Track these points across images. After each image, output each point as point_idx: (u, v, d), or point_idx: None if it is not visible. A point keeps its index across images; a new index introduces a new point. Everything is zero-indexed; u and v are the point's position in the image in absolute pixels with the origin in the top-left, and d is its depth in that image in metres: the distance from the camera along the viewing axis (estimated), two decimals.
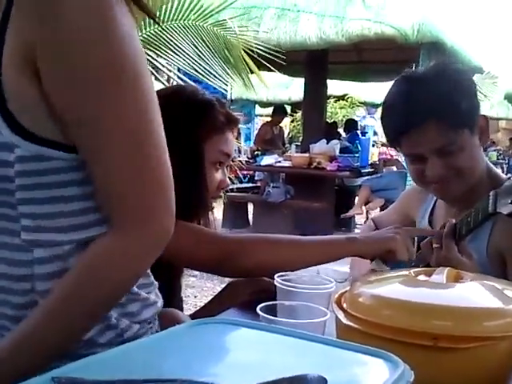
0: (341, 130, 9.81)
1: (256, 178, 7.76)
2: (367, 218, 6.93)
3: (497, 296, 0.82)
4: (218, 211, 6.81)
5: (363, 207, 6.87)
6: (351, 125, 8.82)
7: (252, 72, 3.74)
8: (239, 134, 11.54)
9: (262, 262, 1.24)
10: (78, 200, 0.82)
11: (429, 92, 1.29)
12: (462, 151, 1.30)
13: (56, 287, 0.80)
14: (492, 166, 1.44)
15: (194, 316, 1.32)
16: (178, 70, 3.83)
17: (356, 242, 1.27)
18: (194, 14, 3.46)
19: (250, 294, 1.28)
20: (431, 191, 1.45)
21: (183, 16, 3.44)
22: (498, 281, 0.90)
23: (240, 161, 4.28)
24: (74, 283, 0.79)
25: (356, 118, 11.13)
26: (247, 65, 3.62)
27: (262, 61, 3.61)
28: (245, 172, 7.43)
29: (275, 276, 1.00)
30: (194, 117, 1.31)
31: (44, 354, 0.78)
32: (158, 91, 1.41)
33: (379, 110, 14.45)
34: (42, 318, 0.78)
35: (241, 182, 6.55)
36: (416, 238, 1.46)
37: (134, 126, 0.77)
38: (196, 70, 3.48)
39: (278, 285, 0.98)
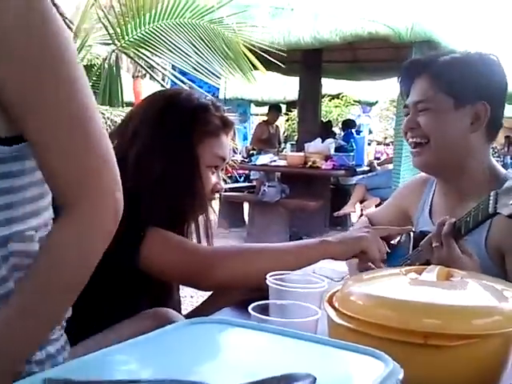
0: (337, 129, 9.83)
1: (251, 178, 7.76)
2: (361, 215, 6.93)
3: (486, 294, 0.83)
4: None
5: (358, 205, 6.88)
6: (349, 124, 8.81)
7: (255, 67, 3.73)
8: (235, 133, 11.53)
9: (236, 275, 1.24)
10: (27, 188, 0.83)
11: (440, 55, 1.40)
12: (432, 114, 1.37)
13: (22, 281, 0.81)
14: (494, 160, 1.45)
15: (188, 316, 1.32)
16: (173, 67, 3.82)
17: (330, 244, 1.29)
18: (190, 12, 3.45)
19: (244, 293, 1.28)
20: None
21: (179, 14, 3.44)
22: (489, 278, 0.91)
23: (234, 160, 4.28)
24: (38, 273, 0.80)
25: (351, 117, 11.14)
26: (249, 60, 3.60)
27: (256, 61, 3.61)
28: (240, 171, 7.45)
29: (267, 275, 1.01)
30: (189, 120, 1.31)
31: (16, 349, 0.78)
32: (154, 94, 1.42)
33: (374, 108, 14.50)
34: (13, 312, 0.78)
35: (236, 182, 6.56)
36: (412, 237, 1.46)
37: (73, 106, 0.79)
38: (193, 68, 3.47)
39: (269, 284, 0.99)
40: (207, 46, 3.50)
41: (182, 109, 1.32)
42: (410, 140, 1.43)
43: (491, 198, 1.13)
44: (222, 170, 1.41)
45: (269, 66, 3.92)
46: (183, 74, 3.80)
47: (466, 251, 1.20)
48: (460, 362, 0.73)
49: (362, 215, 6.35)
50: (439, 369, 0.73)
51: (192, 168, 1.30)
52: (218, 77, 3.75)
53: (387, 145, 16.42)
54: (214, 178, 1.35)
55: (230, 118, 1.38)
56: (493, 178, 1.38)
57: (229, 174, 4.51)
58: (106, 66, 3.40)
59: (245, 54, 3.57)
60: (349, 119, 9.88)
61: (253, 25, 3.87)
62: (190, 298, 4.62)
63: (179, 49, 3.44)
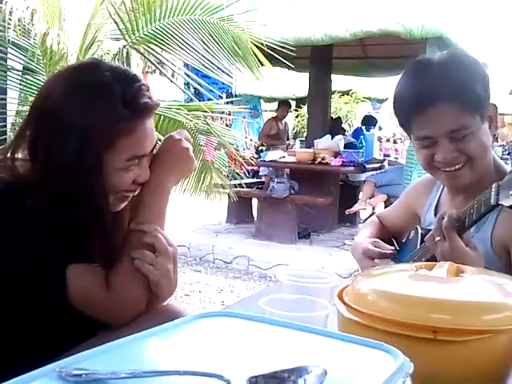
0: (355, 125, 9.73)
1: (260, 174, 7.76)
2: (372, 214, 6.94)
3: (496, 290, 0.83)
4: (222, 206, 6.82)
5: (368, 201, 6.88)
6: (370, 121, 8.70)
7: (262, 64, 3.74)
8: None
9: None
10: None
11: (443, 73, 1.29)
12: (473, 137, 1.30)
13: None
14: (496, 156, 1.45)
15: None
16: (186, 65, 3.83)
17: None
18: (200, 9, 3.45)
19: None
20: (441, 179, 1.44)
21: (189, 11, 3.44)
22: (498, 275, 0.91)
23: (242, 156, 4.28)
24: None
25: (361, 113, 11.08)
26: (257, 57, 3.61)
27: (264, 58, 3.60)
28: (249, 167, 7.44)
29: (278, 271, 1.01)
30: (92, 119, 1.08)
31: None
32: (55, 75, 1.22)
33: (384, 105, 14.45)
34: None
35: (241, 178, 6.56)
36: (420, 232, 1.47)
37: None
38: (203, 65, 3.48)
39: (281, 279, 0.99)
40: (216, 43, 3.51)
41: (85, 105, 1.09)
42: (449, 168, 1.34)
43: (493, 189, 1.14)
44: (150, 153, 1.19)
45: (278, 62, 3.91)
46: (195, 71, 3.81)
47: (470, 244, 1.20)
48: (469, 357, 0.73)
49: (373, 213, 6.36)
50: (448, 364, 0.73)
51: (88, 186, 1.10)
52: (227, 74, 3.75)
53: (396, 142, 16.39)
54: (131, 174, 1.15)
55: (147, 101, 1.13)
56: (498, 174, 1.37)
57: (238, 170, 4.50)
58: (117, 61, 3.41)
59: (253, 52, 3.57)
60: (370, 115, 9.73)
61: (262, 22, 3.86)
62: (199, 293, 4.65)
63: (189, 45, 3.45)
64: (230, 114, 5.13)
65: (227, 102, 4.89)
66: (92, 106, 1.09)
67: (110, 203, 1.16)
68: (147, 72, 10.78)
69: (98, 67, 1.16)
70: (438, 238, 1.21)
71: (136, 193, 1.21)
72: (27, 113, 1.19)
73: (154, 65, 4.06)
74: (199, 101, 4.12)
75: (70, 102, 1.10)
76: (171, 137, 1.25)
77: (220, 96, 4.96)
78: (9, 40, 3.01)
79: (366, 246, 1.53)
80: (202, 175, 3.82)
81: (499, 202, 1.11)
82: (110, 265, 1.14)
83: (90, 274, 1.13)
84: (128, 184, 1.16)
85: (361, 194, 6.64)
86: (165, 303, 1.27)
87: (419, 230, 1.49)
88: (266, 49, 3.55)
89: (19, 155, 1.17)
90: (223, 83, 4.92)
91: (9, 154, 1.16)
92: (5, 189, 1.12)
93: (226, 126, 4.85)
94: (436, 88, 1.28)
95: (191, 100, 4.62)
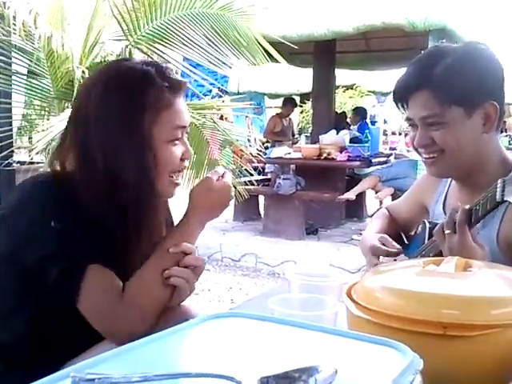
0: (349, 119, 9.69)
1: (266, 171, 7.76)
2: (379, 208, 6.91)
3: (505, 284, 0.83)
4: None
5: (374, 195, 6.87)
6: (361, 113, 8.62)
7: (269, 55, 3.70)
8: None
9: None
10: None
11: (434, 63, 1.33)
12: (446, 128, 1.32)
13: None
14: (506, 152, 1.43)
15: None
16: (186, 60, 3.81)
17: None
18: (199, 1, 3.43)
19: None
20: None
21: (189, 5, 3.42)
22: (507, 268, 0.91)
23: (249, 153, 4.28)
24: None
25: (366, 107, 11.03)
26: (261, 46, 3.57)
27: (269, 46, 3.56)
28: (255, 164, 7.44)
29: (287, 269, 1.02)
30: (135, 101, 1.17)
31: None
32: (88, 78, 1.32)
33: (389, 98, 14.40)
34: None
35: (251, 175, 6.55)
36: (428, 226, 1.47)
37: None
38: (205, 58, 3.46)
39: (289, 278, 1.00)
40: (219, 35, 3.48)
41: (125, 91, 1.18)
42: (425, 155, 1.39)
43: (498, 185, 1.14)
44: (187, 133, 1.28)
45: (279, 57, 3.88)
46: (195, 65, 3.79)
47: (478, 241, 1.20)
48: (479, 352, 0.73)
49: (380, 208, 6.34)
50: (458, 359, 0.74)
51: (145, 160, 1.17)
52: (230, 67, 3.74)
53: (400, 134, 16.32)
54: (179, 149, 1.23)
55: (177, 78, 1.25)
56: (505, 168, 1.36)
57: (244, 167, 4.50)
58: None
59: (257, 41, 3.53)
60: (359, 107, 9.62)
61: (264, 14, 3.82)
62: (208, 291, 4.66)
63: (191, 40, 3.43)
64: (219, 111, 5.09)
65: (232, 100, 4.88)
66: (137, 86, 1.18)
67: (161, 187, 1.21)
68: None
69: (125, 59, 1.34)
70: (448, 232, 1.21)
71: (182, 172, 1.27)
72: (69, 119, 1.26)
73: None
74: (199, 93, 4.09)
75: (109, 96, 1.18)
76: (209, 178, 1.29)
77: (210, 90, 4.93)
78: (15, 45, 3.03)
79: (373, 242, 1.53)
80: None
81: (505, 199, 1.11)
82: (129, 273, 1.16)
83: (108, 276, 1.14)
84: (177, 159, 1.22)
85: (360, 184, 6.59)
86: None
87: (427, 224, 1.49)
88: (269, 42, 3.53)
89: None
90: (222, 77, 4.88)
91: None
92: (46, 180, 1.18)
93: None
94: (421, 76, 1.33)
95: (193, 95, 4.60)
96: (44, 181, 1.19)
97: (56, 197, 1.13)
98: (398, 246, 1.51)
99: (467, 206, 1.21)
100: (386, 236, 1.55)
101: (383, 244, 1.51)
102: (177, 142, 1.22)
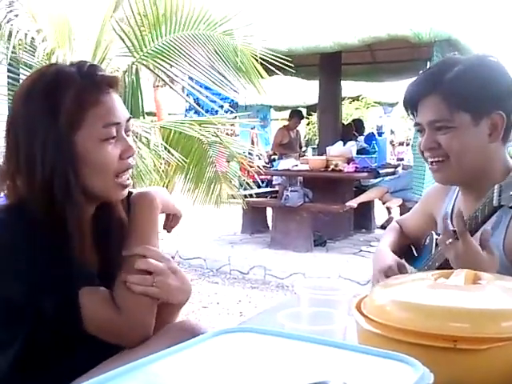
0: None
1: (274, 183, 7.76)
2: (388, 219, 6.91)
3: None
4: (237, 217, 6.84)
5: (384, 206, 6.85)
6: (357, 125, 8.58)
7: (270, 74, 3.78)
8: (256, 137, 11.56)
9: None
10: None
11: (446, 70, 1.35)
12: (453, 133, 1.33)
13: None
14: (509, 157, 1.43)
15: None
16: (190, 78, 3.87)
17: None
18: (204, 24, 3.49)
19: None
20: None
21: (193, 25, 3.48)
22: None
23: (258, 166, 4.31)
24: None
25: (372, 118, 11.03)
26: (257, 71, 3.66)
27: (272, 67, 3.63)
28: (262, 177, 7.45)
29: (296, 283, 1.02)
30: (49, 107, 1.12)
31: None
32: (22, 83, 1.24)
33: (395, 108, 14.42)
34: None
35: (258, 187, 6.56)
36: (435, 238, 1.46)
37: None
38: (208, 79, 3.52)
39: (298, 292, 1.00)
40: (220, 58, 3.56)
41: (41, 97, 1.13)
42: (430, 159, 1.40)
43: (495, 190, 1.15)
44: (128, 130, 1.21)
45: (286, 71, 3.92)
46: (201, 85, 3.86)
47: (488, 248, 1.19)
48: (490, 365, 0.73)
49: (390, 218, 6.31)
50: (469, 373, 0.73)
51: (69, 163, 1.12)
52: (233, 89, 3.80)
53: (408, 144, 16.31)
54: (116, 148, 1.16)
55: (106, 75, 1.18)
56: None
57: (251, 180, 4.52)
58: (127, 78, 3.44)
59: (255, 66, 3.62)
60: (356, 119, 9.60)
61: (265, 34, 3.91)
62: (217, 304, 4.65)
63: (195, 60, 3.49)
64: (232, 125, 5.16)
65: (235, 115, 4.93)
66: (53, 89, 1.13)
67: (104, 190, 1.17)
68: (157, 86, 10.86)
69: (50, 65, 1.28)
70: (450, 240, 1.21)
71: (129, 174, 1.21)
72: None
73: (162, 80, 4.10)
74: (201, 110, 4.15)
75: (31, 99, 1.14)
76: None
77: (221, 106, 4.99)
78: (25, 63, 3.07)
79: (391, 263, 1.52)
80: (212, 186, 3.85)
81: (502, 203, 1.12)
82: (109, 284, 1.17)
83: (100, 297, 1.15)
84: (115, 158, 1.16)
85: (366, 193, 6.57)
86: (183, 319, 1.28)
87: (434, 236, 1.49)
88: (272, 58, 3.58)
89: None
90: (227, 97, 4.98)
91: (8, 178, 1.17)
92: (4, 217, 1.14)
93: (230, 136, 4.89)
94: (436, 80, 1.35)
95: (195, 111, 4.67)
96: (3, 218, 1.14)
97: (20, 233, 1.09)
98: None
99: (460, 212, 1.21)
100: (403, 262, 1.54)
101: (399, 269, 1.51)
102: (112, 140, 1.15)
